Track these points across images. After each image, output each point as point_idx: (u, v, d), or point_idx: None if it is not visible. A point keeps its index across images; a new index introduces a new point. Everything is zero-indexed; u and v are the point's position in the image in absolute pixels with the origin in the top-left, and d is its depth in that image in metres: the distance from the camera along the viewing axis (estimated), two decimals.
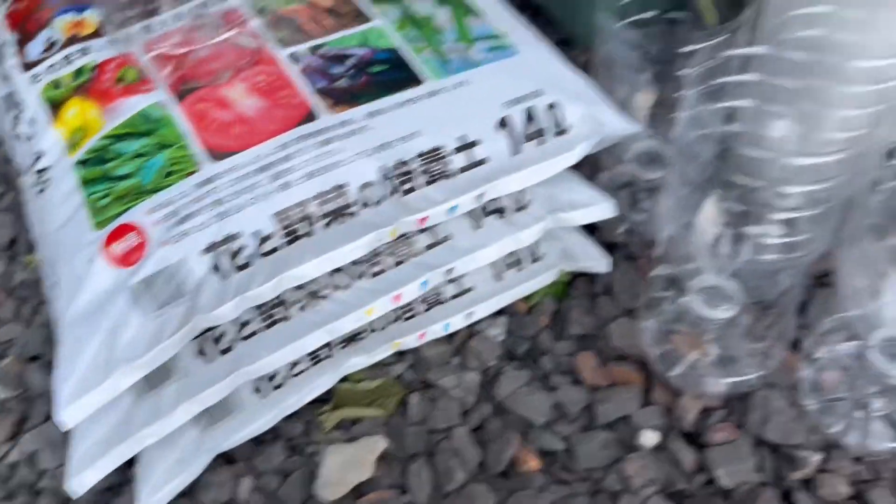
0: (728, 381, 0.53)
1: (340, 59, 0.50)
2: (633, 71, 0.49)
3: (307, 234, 0.44)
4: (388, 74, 0.50)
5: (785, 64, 0.47)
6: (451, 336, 0.58)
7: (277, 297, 0.45)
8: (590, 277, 0.61)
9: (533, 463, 0.52)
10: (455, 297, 0.55)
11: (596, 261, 0.58)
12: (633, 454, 0.51)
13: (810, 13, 0.50)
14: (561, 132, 0.49)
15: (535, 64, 0.51)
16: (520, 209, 0.51)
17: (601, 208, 0.53)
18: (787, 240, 0.44)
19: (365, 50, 0.51)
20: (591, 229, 0.62)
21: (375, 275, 0.48)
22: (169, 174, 0.45)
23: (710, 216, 0.46)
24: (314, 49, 0.51)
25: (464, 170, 0.47)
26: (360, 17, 0.53)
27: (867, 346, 0.47)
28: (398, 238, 0.48)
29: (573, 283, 0.61)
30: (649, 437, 0.52)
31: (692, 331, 0.55)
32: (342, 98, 0.48)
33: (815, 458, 0.50)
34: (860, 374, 0.51)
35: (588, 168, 0.60)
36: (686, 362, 0.54)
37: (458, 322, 0.56)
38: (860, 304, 0.45)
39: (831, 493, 0.49)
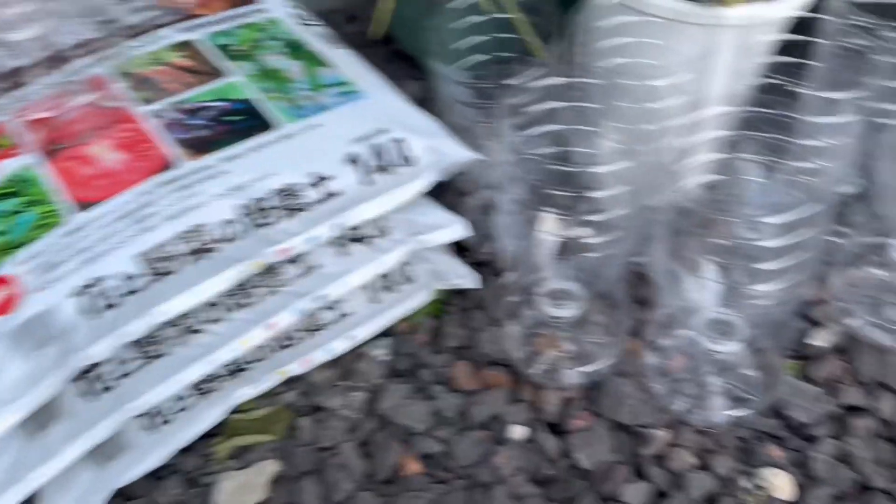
0: (582, 372, 0.58)
1: (199, 112, 0.55)
2: (470, 107, 0.55)
3: (171, 272, 0.49)
4: (243, 123, 0.55)
5: (595, 89, 0.54)
6: (338, 360, 0.63)
7: (153, 334, 0.49)
8: (463, 293, 0.66)
9: (414, 467, 0.56)
10: (334, 322, 0.59)
11: (465, 278, 0.63)
12: (502, 447, 0.56)
13: (614, 44, 0.57)
14: (407, 163, 0.55)
15: (380, 105, 0.57)
16: (381, 235, 0.57)
17: (455, 229, 0.58)
18: (601, 240, 0.50)
19: (222, 103, 0.56)
20: (461, 249, 0.68)
21: (249, 306, 0.53)
22: (39, 227, 0.49)
23: (546, 228, 0.52)
24: (174, 105, 0.56)
25: (319, 203, 0.53)
26: (217, 74, 0.59)
27: (692, 330, 0.54)
28: (267, 269, 0.53)
29: (449, 301, 0.66)
30: (518, 431, 0.57)
31: (549, 331, 0.60)
32: (200, 147, 0.54)
33: (664, 435, 0.56)
34: (697, 355, 0.57)
35: (455, 193, 0.67)
36: (545, 360, 0.60)
37: (340, 346, 0.60)
38: (675, 294, 0.51)
39: (679, 465, 0.54)
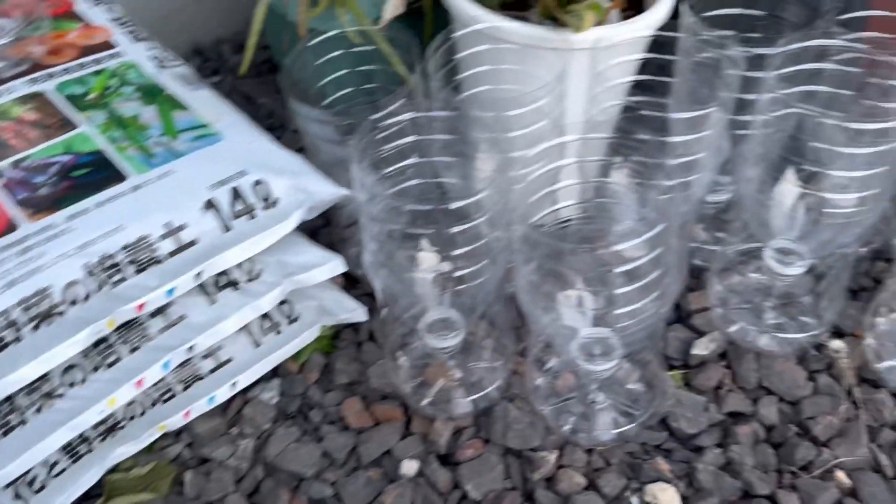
0: (471, 400, 0.58)
1: (43, 168, 0.53)
2: (333, 144, 0.54)
3: (16, 340, 0.47)
4: (90, 176, 0.53)
5: (461, 118, 0.54)
6: (225, 408, 0.61)
7: (7, 404, 0.47)
8: (355, 327, 0.66)
9: None
10: (214, 370, 0.58)
11: (353, 312, 0.62)
12: (392, 485, 0.55)
13: (474, 73, 0.57)
14: (271, 205, 0.54)
15: (239, 147, 0.56)
16: (252, 279, 0.56)
17: (332, 266, 0.58)
18: (474, 268, 0.50)
19: (69, 156, 0.54)
20: (353, 281, 0.67)
21: (111, 365, 0.51)
22: None
23: (419, 262, 0.52)
24: (17, 163, 0.54)
25: (173, 253, 0.51)
26: (66, 126, 0.56)
27: (569, 352, 0.54)
28: (129, 325, 0.51)
29: (340, 336, 0.65)
30: (409, 466, 0.56)
31: (437, 361, 0.60)
32: (43, 206, 0.51)
33: (552, 457, 0.56)
34: (581, 374, 0.58)
35: (340, 226, 0.66)
36: (435, 391, 0.59)
37: (223, 394, 0.59)
38: (549, 317, 0.51)
39: (568, 486, 0.54)
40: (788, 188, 0.53)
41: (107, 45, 0.63)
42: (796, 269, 0.57)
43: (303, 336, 0.61)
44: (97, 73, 0.60)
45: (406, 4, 0.64)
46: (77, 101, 0.58)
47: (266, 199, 0.54)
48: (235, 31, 1.00)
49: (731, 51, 0.52)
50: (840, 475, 0.54)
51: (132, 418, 0.55)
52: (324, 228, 0.71)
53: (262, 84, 0.91)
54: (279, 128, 0.83)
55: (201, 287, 0.54)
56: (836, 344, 0.60)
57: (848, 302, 0.63)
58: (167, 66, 0.63)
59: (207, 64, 0.96)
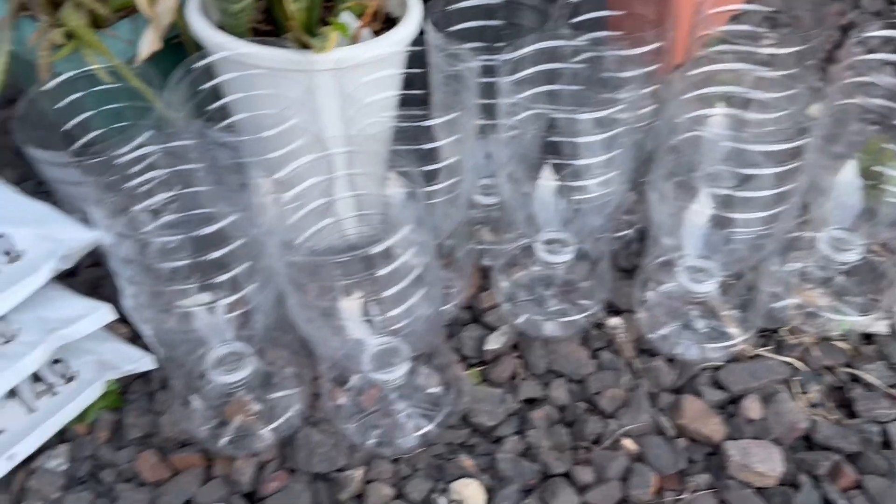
0: (271, 430, 0.57)
1: None
2: (81, 187, 0.52)
3: None
4: None
5: (223, 146, 0.53)
6: (7, 483, 0.56)
7: None
8: (145, 377, 0.62)
9: None
10: None
11: (138, 361, 0.60)
12: None
13: (231, 100, 0.57)
14: (14, 259, 0.51)
15: None
16: (9, 341, 0.52)
17: (99, 315, 0.55)
18: (242, 296, 0.49)
19: None
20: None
21: None
22: None
23: (185, 301, 0.50)
24: None
25: None
26: None
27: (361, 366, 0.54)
28: None
29: (130, 388, 0.62)
30: None
31: (235, 398, 0.58)
32: None
33: (359, 474, 0.55)
34: (381, 386, 0.58)
35: None
36: (232, 428, 0.57)
37: (1, 469, 0.54)
38: (333, 334, 0.51)
39: (377, 499, 0.54)
40: (546, 183, 0.57)
41: None
42: (565, 255, 0.60)
43: (84, 394, 0.58)
44: None
45: (163, 40, 0.63)
46: None
47: (8, 253, 0.50)
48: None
49: (469, 62, 0.55)
50: (627, 443, 0.57)
51: None
52: (106, 279, 0.68)
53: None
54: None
55: None
56: (614, 321, 0.65)
57: (623, 280, 0.68)
58: None
59: None
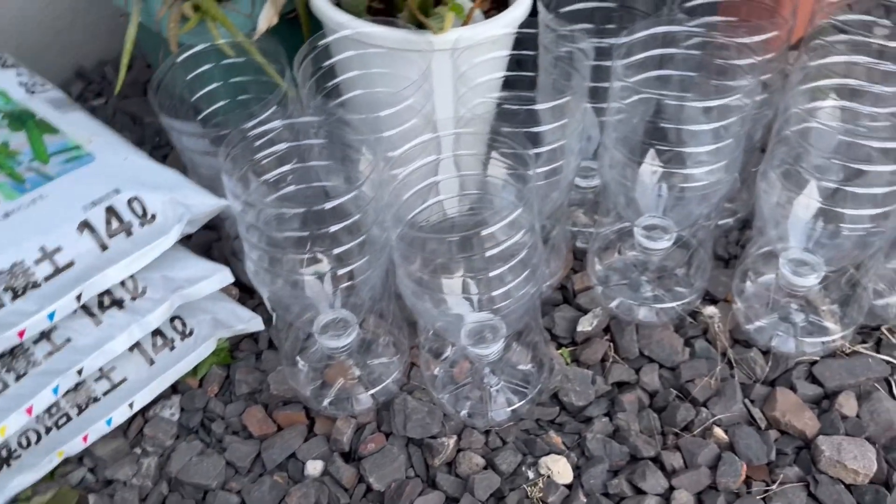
0: (370, 395, 0.60)
1: None
2: (210, 157, 0.55)
3: None
4: None
5: (339, 123, 0.55)
6: (126, 429, 0.61)
7: None
8: (254, 337, 0.66)
9: None
10: (109, 392, 0.57)
11: (249, 322, 0.63)
12: (296, 486, 0.56)
13: (347, 78, 0.59)
14: (148, 221, 0.54)
15: (112, 166, 0.56)
16: (137, 297, 0.56)
17: (219, 277, 0.58)
18: (360, 266, 0.51)
19: None
20: (249, 292, 0.68)
21: None
22: None
23: (305, 266, 0.53)
24: None
25: (50, 277, 0.51)
26: None
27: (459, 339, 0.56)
28: (12, 353, 0.51)
29: (239, 346, 0.66)
30: (314, 467, 0.57)
31: (336, 362, 0.61)
32: None
33: (451, 442, 0.58)
34: (474, 360, 0.60)
35: (229, 237, 0.66)
36: (334, 390, 0.60)
37: (120, 415, 0.58)
38: (436, 307, 0.53)
39: (467, 468, 0.56)
40: (650, 168, 0.57)
41: None
42: (665, 242, 0.60)
43: (199, 350, 0.61)
44: None
45: (280, 15, 0.65)
46: None
47: (143, 216, 0.54)
48: (118, 51, 0.99)
49: (582, 44, 0.56)
50: (718, 431, 0.57)
51: (28, 446, 0.54)
52: (217, 242, 0.72)
53: (147, 103, 0.90)
54: (166, 145, 0.83)
55: (85, 308, 0.54)
56: (710, 310, 0.65)
57: (720, 270, 0.67)
58: (37, 92, 0.62)
59: (91, 86, 0.95)
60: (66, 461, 0.58)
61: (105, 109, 0.90)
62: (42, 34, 0.92)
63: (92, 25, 0.96)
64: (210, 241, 0.72)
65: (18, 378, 0.51)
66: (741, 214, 0.71)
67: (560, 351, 0.63)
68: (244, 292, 0.68)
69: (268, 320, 0.64)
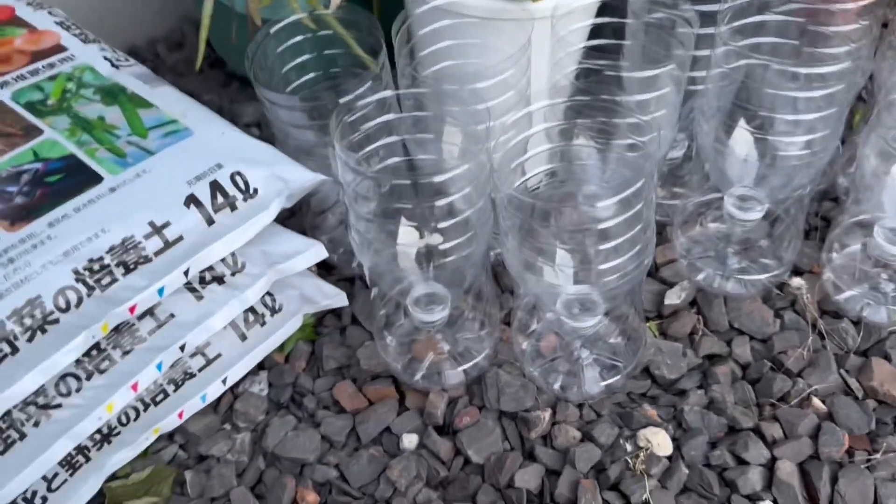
0: (462, 370, 0.59)
1: (14, 178, 0.52)
2: (303, 129, 0.55)
3: (13, 352, 0.46)
4: (65, 182, 0.52)
5: (427, 96, 0.55)
6: (216, 405, 0.61)
7: (6, 419, 0.46)
8: (337, 312, 0.66)
9: (311, 498, 0.55)
10: (204, 367, 0.58)
11: (334, 298, 0.63)
12: (395, 459, 0.56)
13: (436, 49, 0.58)
14: (250, 196, 0.54)
15: (211, 140, 0.56)
16: (237, 272, 0.55)
17: (314, 252, 0.58)
18: (456, 241, 0.51)
19: (39, 163, 0.53)
20: (328, 268, 0.68)
21: (104, 371, 0.50)
22: None
23: (402, 239, 0.52)
24: None
25: (160, 252, 0.51)
26: (31, 133, 0.55)
27: (555, 312, 0.55)
28: (117, 329, 0.51)
29: (322, 322, 0.66)
30: (410, 440, 0.58)
31: (425, 336, 0.61)
32: (19, 216, 0.50)
33: (546, 415, 0.58)
34: (565, 334, 0.60)
35: (314, 213, 0.66)
36: (425, 365, 0.60)
37: (214, 391, 0.58)
38: (533, 281, 0.53)
39: (565, 441, 0.56)
40: (742, 135, 0.56)
41: (58, 49, 0.61)
42: (756, 213, 0.60)
43: (287, 326, 0.61)
44: (52, 77, 0.59)
45: None
46: (36, 108, 0.56)
47: (245, 191, 0.54)
48: (169, 28, 0.99)
49: (682, 10, 0.55)
50: (816, 402, 0.57)
51: (126, 423, 0.54)
52: (290, 219, 0.71)
53: (205, 81, 0.90)
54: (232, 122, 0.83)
55: (187, 284, 0.54)
56: (797, 281, 0.64)
57: (804, 241, 0.67)
58: (121, 67, 0.62)
59: (145, 64, 0.94)
60: (157, 438, 0.58)
61: None
62: (93, 13, 0.91)
63: (141, 4, 0.96)
64: (282, 218, 0.71)
65: (124, 354, 0.51)
66: (822, 185, 0.70)
67: (647, 324, 0.63)
68: (323, 269, 0.68)
69: (350, 297, 0.64)
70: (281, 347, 0.63)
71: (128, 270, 0.49)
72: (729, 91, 0.55)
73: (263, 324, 0.60)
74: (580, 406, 0.59)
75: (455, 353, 0.61)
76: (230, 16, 0.71)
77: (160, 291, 0.50)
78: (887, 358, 0.59)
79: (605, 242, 0.48)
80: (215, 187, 0.52)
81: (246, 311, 0.59)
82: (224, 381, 0.59)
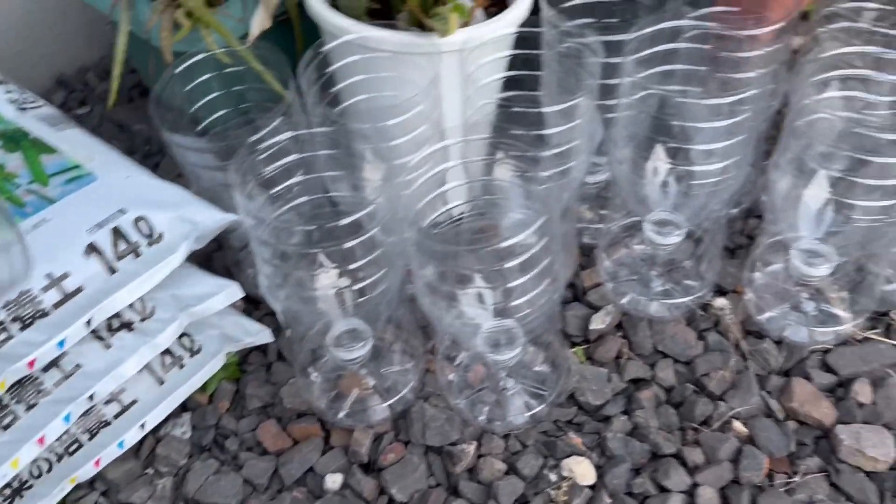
0: (387, 405, 0.59)
1: None
2: (213, 170, 0.54)
3: None
4: None
5: (342, 131, 0.54)
6: (137, 449, 0.59)
7: None
8: (262, 349, 0.65)
9: None
10: (120, 414, 0.56)
11: (257, 335, 0.62)
12: (319, 501, 0.55)
13: (349, 83, 0.57)
14: (155, 241, 0.53)
15: (116, 185, 0.54)
16: (146, 318, 0.54)
17: (227, 293, 0.57)
18: (373, 278, 0.50)
19: None
20: (254, 303, 0.67)
21: (8, 427, 0.49)
22: None
23: (325, 280, 0.52)
24: None
25: (59, 304, 0.49)
26: None
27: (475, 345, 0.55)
28: (22, 383, 0.49)
29: (247, 359, 0.65)
30: (333, 480, 0.57)
31: (350, 372, 0.60)
32: None
33: (472, 449, 0.57)
34: (490, 365, 0.59)
35: (234, 249, 0.65)
36: (349, 402, 0.59)
37: (132, 437, 0.57)
38: (451, 314, 0.52)
39: (489, 474, 0.56)
40: (658, 164, 0.56)
41: None
42: (675, 237, 0.60)
43: (208, 367, 0.60)
44: None
45: (272, 19, 0.64)
46: None
47: (150, 236, 0.52)
48: (100, 56, 0.97)
49: (589, 39, 0.55)
50: (737, 425, 0.58)
51: (39, 476, 0.53)
52: (217, 252, 0.70)
53: (135, 110, 0.88)
54: (157, 153, 0.81)
55: (94, 333, 0.52)
56: (720, 302, 0.65)
57: (727, 260, 0.67)
58: (28, 108, 0.60)
59: (73, 95, 0.93)
60: (77, 487, 0.57)
61: (90, 118, 0.88)
62: (16, 44, 0.89)
63: (71, 32, 0.94)
64: (210, 252, 0.70)
65: (29, 408, 0.50)
66: (745, 204, 0.71)
67: (574, 350, 0.63)
68: (249, 304, 0.67)
69: (276, 331, 0.63)
70: (204, 388, 0.62)
71: (24, 326, 0.48)
72: (641, 120, 0.55)
73: (182, 366, 0.59)
74: (506, 437, 0.58)
75: (381, 389, 0.60)
76: (149, 49, 0.69)
77: (60, 344, 0.48)
78: (808, 378, 0.60)
79: (517, 277, 0.48)
80: (117, 234, 0.51)
81: (163, 354, 0.58)
82: (143, 426, 0.57)
